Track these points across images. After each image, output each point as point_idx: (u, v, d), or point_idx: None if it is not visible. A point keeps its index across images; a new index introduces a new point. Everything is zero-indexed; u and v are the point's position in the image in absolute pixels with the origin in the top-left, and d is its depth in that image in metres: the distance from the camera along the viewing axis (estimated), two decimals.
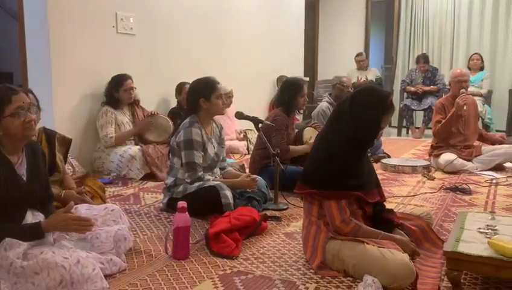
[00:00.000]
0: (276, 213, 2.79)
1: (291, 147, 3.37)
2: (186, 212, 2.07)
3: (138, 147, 3.83)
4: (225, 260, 2.07)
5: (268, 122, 3.20)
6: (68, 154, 2.85)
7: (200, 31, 5.14)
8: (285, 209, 2.88)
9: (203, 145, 2.71)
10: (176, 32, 4.81)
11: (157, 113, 4.12)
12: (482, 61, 6.48)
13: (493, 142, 4.38)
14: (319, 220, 1.99)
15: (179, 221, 2.06)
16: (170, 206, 2.72)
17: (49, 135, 2.59)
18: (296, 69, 7.06)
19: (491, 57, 6.98)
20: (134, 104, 4.04)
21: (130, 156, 3.70)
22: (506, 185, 3.60)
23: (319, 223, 1.99)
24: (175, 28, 4.79)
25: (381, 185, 2.16)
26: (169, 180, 2.77)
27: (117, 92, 3.88)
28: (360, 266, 1.83)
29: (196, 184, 2.66)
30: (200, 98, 2.72)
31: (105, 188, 3.07)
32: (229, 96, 4.86)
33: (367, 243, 1.85)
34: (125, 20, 4.24)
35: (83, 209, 2.09)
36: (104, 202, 2.77)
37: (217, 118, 2.96)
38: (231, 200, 2.58)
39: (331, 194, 1.91)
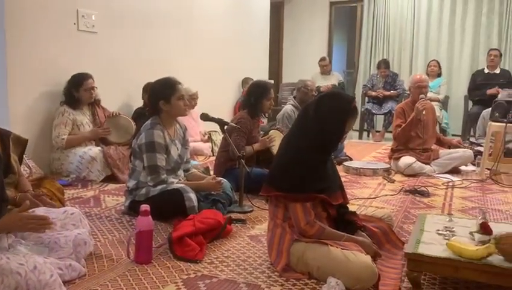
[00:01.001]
0: (241, 216, 2.78)
1: (246, 147, 3.35)
2: (149, 216, 2.03)
3: (99, 148, 3.73)
4: (189, 264, 2.05)
5: (234, 124, 3.19)
6: (24, 155, 2.73)
7: (166, 31, 5.06)
8: (250, 211, 2.88)
9: (165, 147, 2.66)
10: (141, 30, 4.71)
11: (119, 114, 4.03)
12: (440, 67, 6.73)
13: (450, 146, 4.55)
14: (284, 222, 2.00)
15: (141, 225, 2.01)
16: (132, 210, 2.66)
17: (3, 135, 2.47)
18: (261, 72, 7.09)
19: (448, 64, 7.26)
20: (94, 104, 3.93)
21: (91, 157, 3.59)
22: (462, 187, 3.75)
23: (284, 225, 2.00)
24: (139, 26, 4.70)
25: (344, 187, 2.20)
26: (131, 183, 2.71)
27: (77, 91, 3.76)
28: (324, 268, 1.85)
29: (159, 187, 2.61)
30: (160, 100, 2.67)
31: (64, 191, 2.95)
32: (193, 97, 4.82)
33: (331, 246, 1.87)
34: (87, 18, 4.12)
35: (40, 213, 2.00)
36: (63, 205, 2.67)
37: (181, 119, 2.92)
38: (195, 203, 2.55)
39: (296, 197, 1.93)
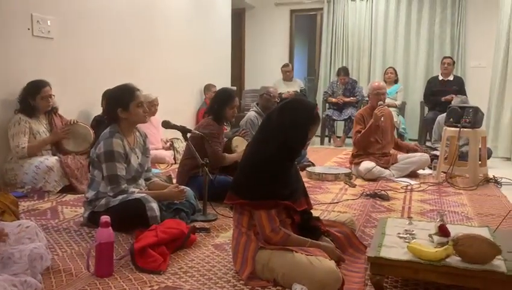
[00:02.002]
0: (205, 224, 2.74)
1: (228, 155, 3.36)
2: (110, 227, 1.97)
3: (56, 157, 3.59)
4: (152, 275, 1.99)
5: (197, 132, 3.16)
6: None
7: (126, 36, 4.97)
8: (214, 220, 2.85)
9: (125, 156, 2.59)
10: (99, 36, 4.60)
11: (77, 122, 3.90)
12: (396, 74, 6.97)
13: (408, 150, 4.70)
14: (249, 230, 1.99)
15: (101, 236, 1.95)
16: (92, 221, 2.57)
17: None
18: (223, 78, 7.09)
19: (405, 70, 7.51)
20: (52, 112, 3.79)
21: (47, 167, 3.46)
22: (420, 190, 3.87)
23: (249, 233, 1.99)
24: (98, 32, 4.59)
25: (308, 193, 2.22)
26: (91, 193, 2.62)
27: (33, 99, 3.62)
28: (289, 274, 1.85)
29: (120, 197, 2.54)
30: (118, 107, 2.60)
31: (19, 203, 2.83)
32: (153, 104, 4.75)
33: (295, 252, 1.88)
34: (42, 23, 3.98)
35: None
36: (18, 218, 2.55)
37: (141, 126, 2.86)
38: (157, 213, 2.50)
39: (261, 204, 1.92)
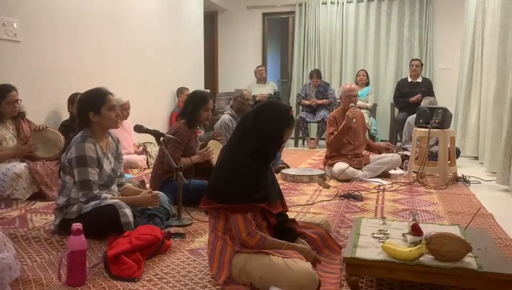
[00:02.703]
0: (180, 229, 2.71)
1: (182, 159, 3.28)
2: (82, 235, 1.92)
3: (24, 164, 3.48)
4: (126, 283, 1.95)
5: (170, 136, 3.12)
6: None
7: (95, 39, 4.87)
8: (189, 225, 2.81)
9: (97, 161, 2.54)
10: (68, 39, 4.49)
11: (46, 127, 3.80)
12: (367, 77, 7.09)
13: (380, 150, 4.78)
14: (225, 234, 1.98)
15: (73, 244, 1.90)
16: (63, 229, 2.51)
17: None
18: (196, 81, 7.05)
19: (375, 73, 7.65)
20: (19, 117, 3.67)
21: (15, 174, 3.35)
22: (392, 190, 3.94)
23: (225, 237, 1.98)
24: (67, 34, 4.48)
25: (283, 195, 2.23)
26: (61, 200, 2.55)
27: None
28: (266, 277, 1.85)
29: (92, 203, 2.48)
30: (89, 111, 2.55)
31: None
32: (125, 108, 4.67)
33: (272, 255, 1.88)
34: (8, 26, 3.86)
35: None
36: None
37: (113, 131, 2.80)
38: (131, 219, 2.45)
39: (237, 208, 1.92)
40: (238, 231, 1.93)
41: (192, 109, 3.33)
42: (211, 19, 8.34)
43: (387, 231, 2.12)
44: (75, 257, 1.90)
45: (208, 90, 6.88)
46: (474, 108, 5.62)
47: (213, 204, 1.97)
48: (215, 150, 3.45)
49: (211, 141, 3.57)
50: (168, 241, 2.39)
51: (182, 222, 2.83)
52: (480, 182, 4.27)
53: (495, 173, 4.19)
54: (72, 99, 4.20)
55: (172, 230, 2.64)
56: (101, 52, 4.96)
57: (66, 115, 4.35)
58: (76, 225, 1.91)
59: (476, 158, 5.54)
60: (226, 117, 4.42)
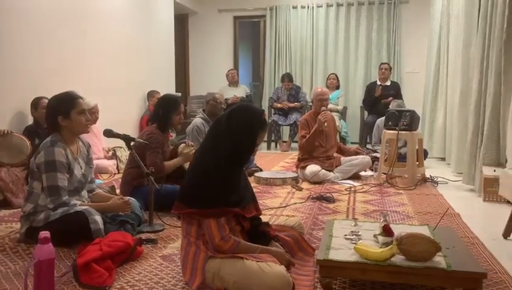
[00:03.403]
0: (152, 235, 2.67)
1: (166, 163, 3.28)
2: (50, 243, 1.85)
3: None
4: None
5: (141, 140, 3.07)
6: None
7: (61, 39, 4.72)
8: (161, 230, 2.77)
9: (68, 166, 2.47)
10: (31, 39, 4.34)
11: (11, 132, 3.67)
12: (338, 80, 7.19)
13: (350, 154, 4.85)
14: (198, 240, 1.96)
15: (40, 253, 1.83)
16: (30, 237, 2.42)
17: None
18: (167, 84, 6.98)
19: (345, 76, 7.77)
20: None
21: None
22: (363, 192, 4.00)
23: (198, 243, 1.95)
24: (29, 34, 4.32)
25: (257, 198, 2.22)
26: (28, 207, 2.47)
27: None
28: (240, 282, 1.84)
29: (60, 210, 2.41)
30: (58, 115, 2.49)
31: None
32: (93, 111, 4.56)
33: (246, 259, 1.87)
34: None
35: None
36: None
37: (82, 135, 2.73)
38: (101, 226, 2.39)
39: (210, 213, 1.90)
40: (211, 236, 1.91)
41: (164, 113, 3.30)
42: (181, 22, 8.28)
43: (359, 232, 2.15)
44: (43, 267, 1.84)
45: (179, 94, 6.82)
46: (441, 110, 5.78)
47: (186, 209, 1.95)
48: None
49: (182, 144, 3.53)
50: (140, 247, 2.35)
51: (154, 227, 2.79)
52: (447, 183, 4.39)
53: (461, 173, 4.31)
54: (35, 103, 4.06)
55: (143, 236, 2.60)
56: (67, 55, 4.83)
57: (30, 119, 4.21)
58: (44, 233, 1.85)
59: (443, 159, 5.70)
60: (198, 121, 4.38)
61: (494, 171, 3.52)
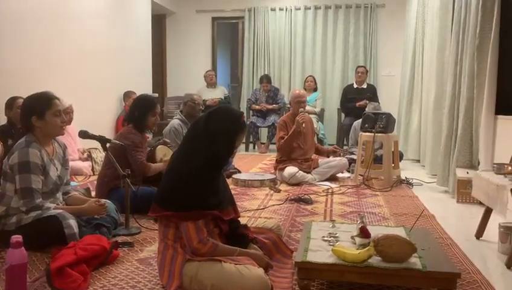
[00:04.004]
0: (128, 238, 2.63)
1: (152, 164, 3.24)
2: (22, 247, 1.80)
3: None
4: None
5: (117, 142, 3.02)
6: None
7: (35, 39, 4.61)
8: (137, 233, 2.73)
9: (43, 167, 2.41)
10: (5, 39, 4.23)
11: None
12: (315, 82, 7.25)
13: (328, 154, 4.89)
14: (176, 243, 1.94)
15: (12, 258, 1.78)
16: (1, 241, 2.34)
17: None
18: (144, 85, 6.89)
19: (322, 79, 7.83)
20: None
21: None
22: (340, 193, 4.04)
23: (176, 246, 1.93)
24: (5, 34, 4.21)
25: (235, 200, 2.21)
26: (0, 209, 2.40)
27: None
28: (218, 285, 1.83)
29: (33, 214, 2.35)
30: (32, 115, 2.42)
31: None
32: (67, 112, 4.47)
33: (224, 262, 1.86)
34: None
35: None
36: None
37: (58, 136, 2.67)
38: (76, 230, 2.33)
39: (188, 215, 1.88)
40: (189, 238, 1.89)
41: (139, 113, 3.25)
42: (159, 22, 8.20)
43: (336, 233, 2.17)
44: (15, 272, 1.79)
45: (156, 94, 6.75)
46: (416, 113, 5.90)
47: (163, 212, 1.92)
48: (167, 155, 3.39)
49: (160, 146, 3.49)
50: (116, 251, 2.31)
51: (130, 230, 2.75)
52: (422, 184, 4.48)
53: (435, 175, 4.40)
54: (9, 104, 3.97)
55: (120, 239, 2.56)
56: (43, 54, 4.72)
57: (4, 119, 4.09)
58: (16, 237, 1.80)
59: (418, 161, 5.81)
60: (175, 122, 4.34)
61: (467, 173, 3.61)
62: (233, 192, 2.29)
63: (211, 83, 7.32)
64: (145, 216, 2.79)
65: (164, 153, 3.43)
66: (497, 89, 3.49)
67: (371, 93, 6.73)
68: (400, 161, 4.99)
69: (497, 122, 3.52)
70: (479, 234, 2.80)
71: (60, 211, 2.39)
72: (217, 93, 7.23)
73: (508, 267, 2.30)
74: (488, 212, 2.75)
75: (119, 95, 6.32)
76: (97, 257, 2.16)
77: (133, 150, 3.12)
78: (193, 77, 7.93)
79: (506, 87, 3.50)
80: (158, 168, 3.25)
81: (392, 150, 4.48)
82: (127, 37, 6.52)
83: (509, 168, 2.60)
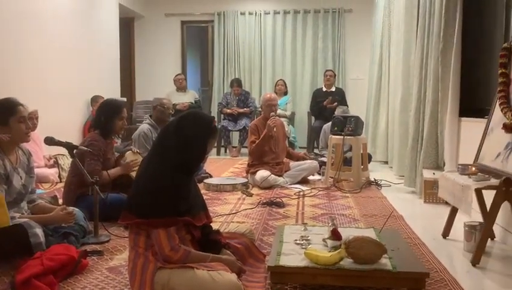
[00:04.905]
0: (98, 247, 2.57)
1: (109, 171, 3.15)
2: None
3: None
4: None
5: (84, 148, 2.95)
6: None
7: None
8: (107, 241, 2.67)
9: (6, 177, 2.33)
10: None
11: None
12: (286, 86, 7.30)
13: (298, 159, 4.93)
14: (147, 251, 1.90)
15: None
16: None
17: None
18: (112, 89, 6.77)
19: (292, 82, 7.90)
20: None
21: None
22: (311, 196, 4.07)
23: (147, 254, 1.90)
24: None
25: (207, 205, 2.20)
26: None
27: None
28: None
29: None
30: None
31: None
32: (31, 117, 4.32)
33: (196, 268, 1.85)
34: None
35: None
36: None
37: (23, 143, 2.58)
38: (42, 239, 2.26)
39: (159, 222, 1.85)
40: (161, 246, 1.86)
41: (106, 118, 3.19)
42: (127, 26, 8.08)
43: (308, 236, 2.18)
44: None
45: (125, 99, 6.64)
46: (383, 116, 6.02)
47: (133, 219, 1.89)
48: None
49: (128, 152, 3.43)
50: (85, 260, 2.25)
51: (99, 238, 2.68)
52: (390, 185, 4.57)
53: (403, 176, 4.50)
54: None
55: (89, 248, 2.50)
56: (5, 58, 4.56)
57: None
58: None
59: (386, 163, 5.93)
60: (144, 127, 4.27)
61: (434, 174, 3.71)
62: (205, 197, 2.28)
63: (181, 87, 7.27)
64: (115, 224, 2.74)
65: (132, 159, 3.36)
66: (460, 92, 3.61)
67: (340, 97, 6.84)
68: (369, 162, 5.08)
69: (461, 124, 3.64)
70: (446, 233, 2.88)
71: (26, 219, 2.31)
72: (187, 98, 7.18)
73: (474, 265, 2.37)
74: (453, 211, 2.84)
75: (87, 100, 6.19)
76: (65, 267, 2.10)
77: (89, 157, 3.03)
78: (163, 81, 7.84)
79: (469, 90, 3.63)
80: (114, 174, 3.17)
81: (361, 152, 4.56)
82: (94, 41, 6.39)
83: (473, 168, 2.69)
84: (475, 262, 2.37)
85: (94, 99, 6.08)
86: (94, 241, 2.64)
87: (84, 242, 2.60)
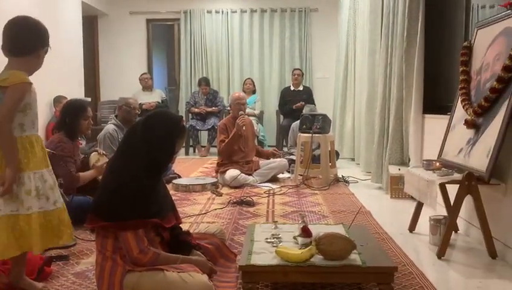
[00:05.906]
0: (63, 252, 2.49)
1: (81, 174, 3.08)
2: None
3: None
4: None
5: (49, 150, 2.84)
6: None
7: None
8: (72, 246, 2.59)
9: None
10: None
11: None
12: (254, 85, 7.31)
13: (268, 156, 4.95)
14: (115, 254, 1.85)
15: None
16: None
17: None
18: (75, 89, 6.57)
19: (261, 81, 7.90)
20: None
21: None
22: (281, 194, 4.09)
23: (115, 257, 1.85)
24: None
25: (176, 206, 2.17)
26: None
27: None
28: None
29: None
30: None
31: None
32: None
33: (166, 270, 1.82)
34: None
35: None
36: None
37: None
38: None
39: (127, 225, 1.81)
40: (129, 249, 1.82)
41: (70, 119, 3.10)
42: (90, 24, 7.87)
43: (279, 235, 2.19)
44: None
45: (89, 99, 6.45)
46: (350, 114, 6.12)
47: (100, 222, 1.84)
48: (101, 162, 3.24)
49: (93, 153, 3.34)
50: (49, 267, 2.17)
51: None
52: (357, 182, 4.65)
53: (370, 172, 4.59)
54: None
55: (53, 253, 2.42)
56: None
57: None
58: None
59: (353, 159, 6.03)
60: (110, 127, 4.17)
61: (399, 169, 3.80)
62: (174, 198, 2.24)
63: (147, 86, 7.15)
64: (81, 227, 2.66)
65: (97, 159, 3.28)
66: (424, 89, 3.71)
67: (307, 96, 6.90)
68: (337, 159, 5.15)
69: (425, 121, 3.74)
70: (412, 227, 2.96)
71: None
72: (154, 97, 7.07)
73: (439, 258, 2.44)
74: (419, 206, 2.91)
75: (49, 101, 5.99)
76: (28, 276, 2.02)
77: (64, 159, 2.95)
78: (128, 80, 7.69)
79: (432, 88, 3.73)
80: (88, 177, 3.10)
81: (329, 149, 4.61)
82: (56, 39, 6.14)
83: (437, 164, 2.77)
84: (440, 255, 2.44)
85: (57, 100, 5.89)
86: (59, 246, 2.55)
87: (48, 248, 2.51)
